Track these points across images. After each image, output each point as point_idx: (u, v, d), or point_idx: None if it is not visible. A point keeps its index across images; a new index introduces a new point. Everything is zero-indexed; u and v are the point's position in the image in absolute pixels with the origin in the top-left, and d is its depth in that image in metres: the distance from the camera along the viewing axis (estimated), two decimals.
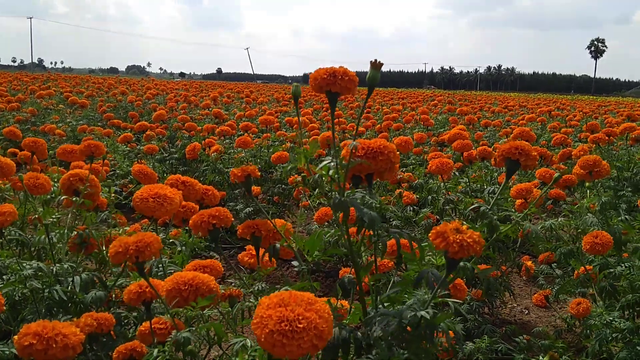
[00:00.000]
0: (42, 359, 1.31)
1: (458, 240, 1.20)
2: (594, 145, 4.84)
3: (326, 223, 2.74)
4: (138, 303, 1.76)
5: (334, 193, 1.37)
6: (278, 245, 1.58)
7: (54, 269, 2.19)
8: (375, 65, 1.39)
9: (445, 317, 1.24)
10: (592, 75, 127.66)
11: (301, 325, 1.02)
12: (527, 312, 3.99)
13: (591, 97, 48.38)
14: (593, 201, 2.99)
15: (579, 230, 2.93)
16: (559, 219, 2.93)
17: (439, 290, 1.28)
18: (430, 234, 1.25)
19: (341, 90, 1.35)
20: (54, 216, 2.39)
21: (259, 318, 1.04)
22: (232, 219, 1.72)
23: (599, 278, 2.68)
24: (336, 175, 1.35)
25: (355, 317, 1.51)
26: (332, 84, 1.34)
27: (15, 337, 1.34)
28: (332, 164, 1.36)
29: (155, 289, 1.71)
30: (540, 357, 2.23)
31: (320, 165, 1.37)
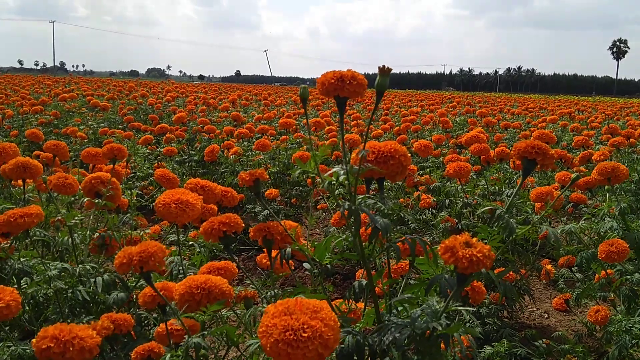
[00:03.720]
0: None
1: (467, 256, 1.17)
2: (614, 148, 4.77)
3: (343, 226, 2.75)
4: (153, 306, 1.79)
5: (346, 198, 1.37)
6: (289, 248, 1.58)
7: (77, 270, 2.22)
8: (384, 71, 1.36)
9: (458, 327, 1.22)
10: (614, 77, 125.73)
11: (305, 335, 1.02)
12: (547, 316, 3.95)
13: (613, 98, 47.64)
14: (612, 205, 2.96)
15: (600, 234, 2.90)
16: (581, 223, 2.90)
17: (451, 301, 1.26)
18: (439, 248, 1.23)
19: (350, 94, 1.31)
20: (76, 218, 2.43)
21: (265, 327, 1.04)
22: (243, 225, 1.71)
23: (617, 283, 2.65)
24: (346, 182, 1.34)
25: (369, 320, 1.51)
26: (340, 89, 1.30)
27: (34, 340, 1.37)
28: (342, 170, 1.34)
29: (169, 293, 1.74)
30: None
31: (329, 172, 1.36)
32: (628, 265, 2.74)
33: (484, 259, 1.17)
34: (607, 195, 3.18)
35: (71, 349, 1.34)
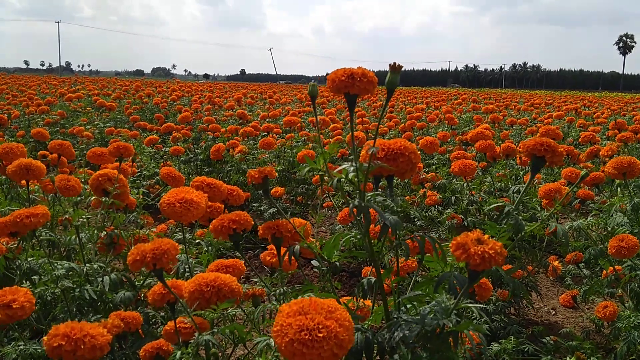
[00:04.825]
0: (71, 359, 1.34)
1: (479, 252, 1.17)
2: (622, 143, 4.74)
3: (350, 224, 2.74)
4: (162, 304, 1.79)
5: (355, 195, 1.37)
6: (298, 246, 1.58)
7: (84, 269, 2.23)
8: (395, 68, 1.35)
9: (468, 324, 1.22)
10: (621, 72, 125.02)
11: (321, 335, 1.01)
12: (554, 312, 3.94)
13: (620, 93, 47.41)
14: (624, 200, 2.94)
15: (608, 230, 2.88)
16: (588, 219, 2.89)
17: (461, 298, 1.26)
18: (450, 245, 1.22)
19: (360, 91, 1.32)
20: (83, 217, 2.44)
21: (279, 326, 1.04)
22: (252, 223, 1.72)
23: (626, 279, 2.64)
24: (356, 179, 1.34)
25: (377, 317, 1.51)
26: (350, 86, 1.31)
27: (45, 338, 1.37)
28: (352, 167, 1.34)
29: (178, 291, 1.74)
30: (568, 358, 2.20)
31: (338, 169, 1.36)
32: (638, 261, 2.72)
33: (496, 255, 1.17)
34: (618, 190, 3.16)
35: (82, 346, 1.35)
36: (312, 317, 1.04)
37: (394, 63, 1.35)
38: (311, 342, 1.01)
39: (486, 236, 1.22)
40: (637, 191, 3.91)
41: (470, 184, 4.06)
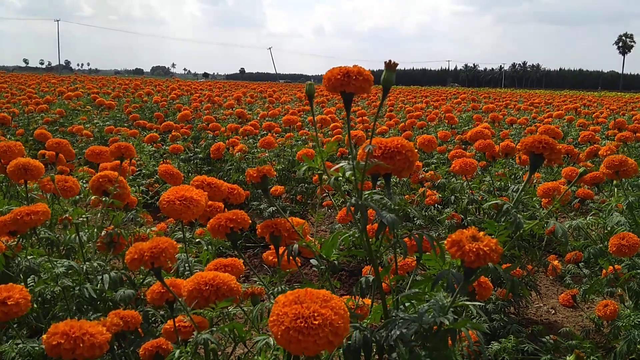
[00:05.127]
0: (70, 357, 1.34)
1: (474, 249, 1.16)
2: (621, 143, 4.74)
3: (349, 223, 2.74)
4: (161, 303, 1.79)
5: (352, 194, 1.37)
6: (296, 245, 1.58)
7: (84, 268, 2.23)
8: (390, 66, 1.35)
9: (466, 322, 1.22)
10: (620, 71, 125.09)
11: (316, 322, 1.03)
12: (554, 312, 3.94)
13: (619, 93, 47.40)
14: (620, 200, 2.94)
15: (607, 229, 2.88)
16: (588, 218, 2.89)
17: (458, 296, 1.26)
18: (446, 242, 1.22)
19: (356, 90, 1.31)
20: (83, 216, 2.44)
21: (275, 316, 1.06)
22: (250, 221, 1.72)
23: (626, 276, 2.64)
24: (353, 177, 1.34)
25: (376, 316, 1.51)
26: (346, 84, 1.30)
27: (44, 336, 1.37)
28: (349, 165, 1.34)
29: (177, 290, 1.74)
30: (567, 358, 2.20)
31: (335, 167, 1.36)
32: (638, 260, 2.72)
33: (490, 252, 1.16)
34: (615, 190, 3.16)
35: (81, 345, 1.34)
36: (308, 306, 1.05)
37: (389, 61, 1.34)
38: (307, 329, 1.02)
39: (481, 233, 1.21)
40: (636, 190, 3.91)
41: (469, 183, 4.06)
